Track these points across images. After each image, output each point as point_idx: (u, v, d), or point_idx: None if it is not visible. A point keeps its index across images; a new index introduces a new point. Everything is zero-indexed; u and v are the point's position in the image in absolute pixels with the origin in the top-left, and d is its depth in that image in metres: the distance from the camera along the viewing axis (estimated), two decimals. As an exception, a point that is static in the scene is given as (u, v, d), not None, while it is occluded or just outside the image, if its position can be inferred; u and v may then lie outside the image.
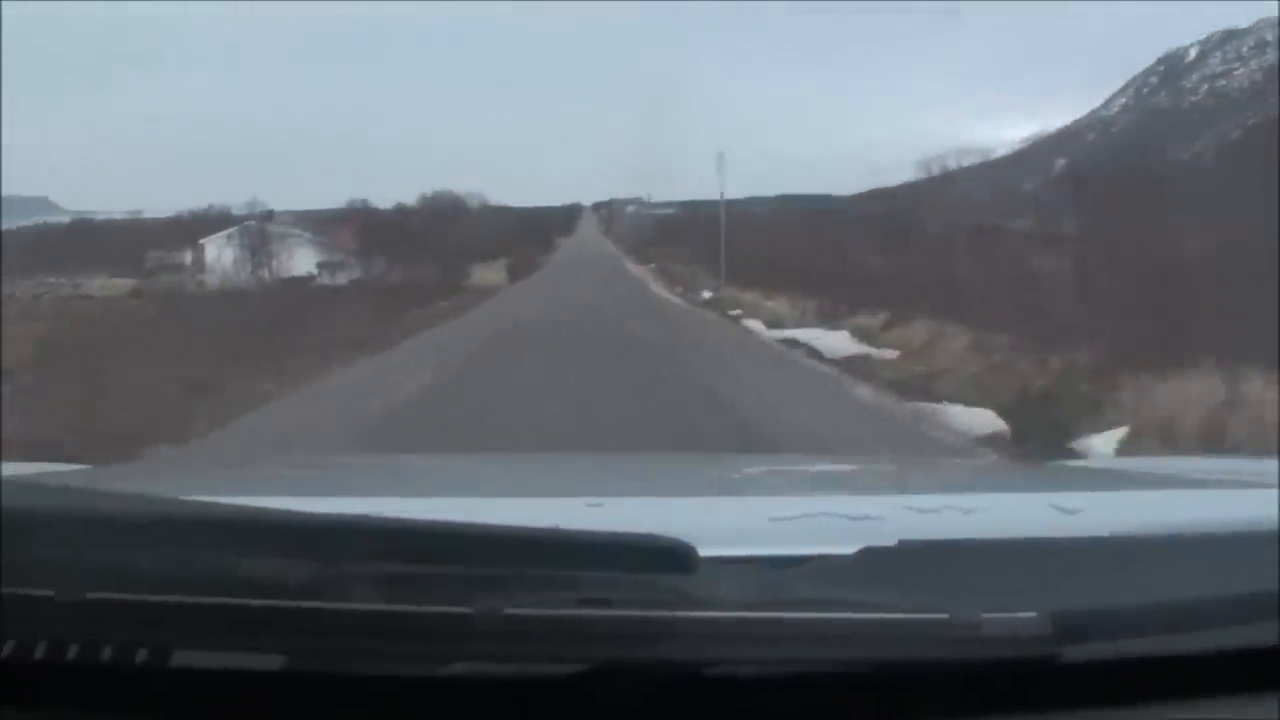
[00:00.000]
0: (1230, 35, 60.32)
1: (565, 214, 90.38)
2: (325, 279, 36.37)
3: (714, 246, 35.04)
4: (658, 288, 39.16)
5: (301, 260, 37.43)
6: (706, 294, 33.68)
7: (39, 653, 0.85)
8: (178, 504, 0.91)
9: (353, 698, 0.86)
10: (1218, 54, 59.40)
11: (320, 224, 41.80)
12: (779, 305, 25.40)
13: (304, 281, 35.01)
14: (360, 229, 39.81)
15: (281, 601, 0.81)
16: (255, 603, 0.81)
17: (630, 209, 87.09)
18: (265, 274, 35.26)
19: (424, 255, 37.37)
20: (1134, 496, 1.37)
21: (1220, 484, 1.43)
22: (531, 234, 62.26)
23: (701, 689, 0.85)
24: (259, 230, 37.58)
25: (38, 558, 0.82)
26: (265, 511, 0.87)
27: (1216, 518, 1.06)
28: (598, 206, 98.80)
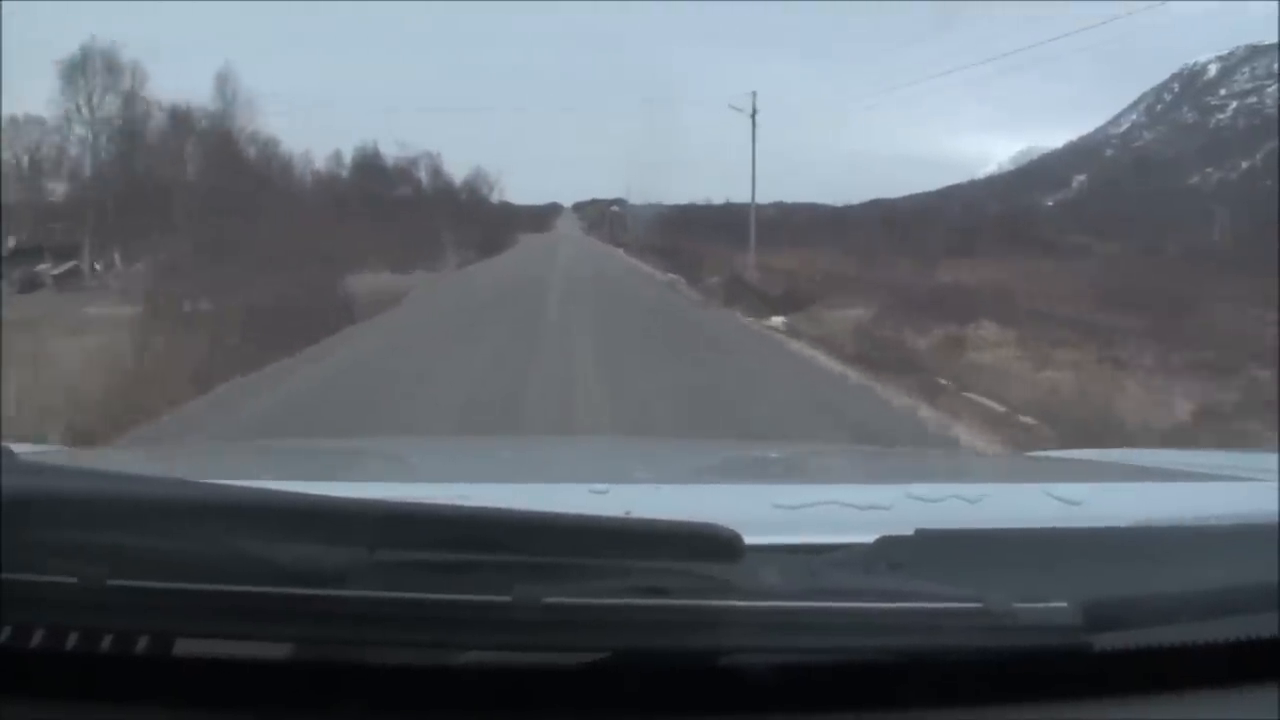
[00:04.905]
0: (1255, 51, 56.63)
1: (539, 213, 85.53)
2: None
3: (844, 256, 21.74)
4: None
5: None
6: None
7: (70, 642, 0.84)
8: (207, 488, 0.87)
9: (386, 686, 0.85)
10: (1245, 69, 55.95)
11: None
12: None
13: None
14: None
15: (312, 589, 0.80)
16: (286, 590, 0.80)
17: (614, 209, 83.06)
18: None
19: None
20: (1136, 488, 1.37)
21: (1218, 477, 1.44)
22: (422, 225, 33.41)
23: (742, 678, 0.86)
24: None
25: (62, 542, 0.80)
26: (295, 497, 0.85)
27: (1221, 510, 1.07)
28: (579, 207, 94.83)
